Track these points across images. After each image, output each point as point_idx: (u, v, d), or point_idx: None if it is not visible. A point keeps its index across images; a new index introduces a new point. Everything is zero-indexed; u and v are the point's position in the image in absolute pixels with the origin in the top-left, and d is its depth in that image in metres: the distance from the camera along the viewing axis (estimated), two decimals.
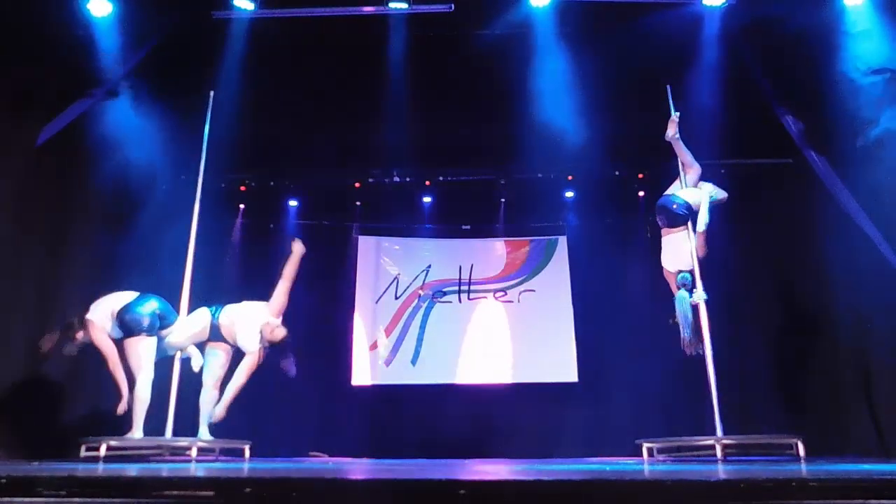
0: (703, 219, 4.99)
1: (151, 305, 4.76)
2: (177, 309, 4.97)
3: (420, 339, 8.02)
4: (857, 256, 5.45)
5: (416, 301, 8.19)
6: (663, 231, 5.25)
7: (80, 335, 4.70)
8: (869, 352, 5.46)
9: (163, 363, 4.95)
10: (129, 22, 5.36)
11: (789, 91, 5.85)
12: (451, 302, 8.20)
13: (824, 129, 5.54)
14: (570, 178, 7.83)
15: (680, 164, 5.31)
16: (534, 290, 8.17)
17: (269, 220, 8.09)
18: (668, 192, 5.30)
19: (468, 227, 8.42)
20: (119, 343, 4.74)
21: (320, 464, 4.74)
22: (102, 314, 4.73)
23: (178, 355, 4.98)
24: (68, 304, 5.65)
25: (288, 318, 5.31)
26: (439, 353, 7.93)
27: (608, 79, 5.96)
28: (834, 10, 5.11)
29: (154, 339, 4.76)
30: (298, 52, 5.92)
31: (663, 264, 5.21)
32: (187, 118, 5.74)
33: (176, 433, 4.74)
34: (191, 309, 5.06)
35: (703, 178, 5.32)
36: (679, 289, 5.02)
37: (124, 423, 4.67)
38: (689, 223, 5.05)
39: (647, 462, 4.52)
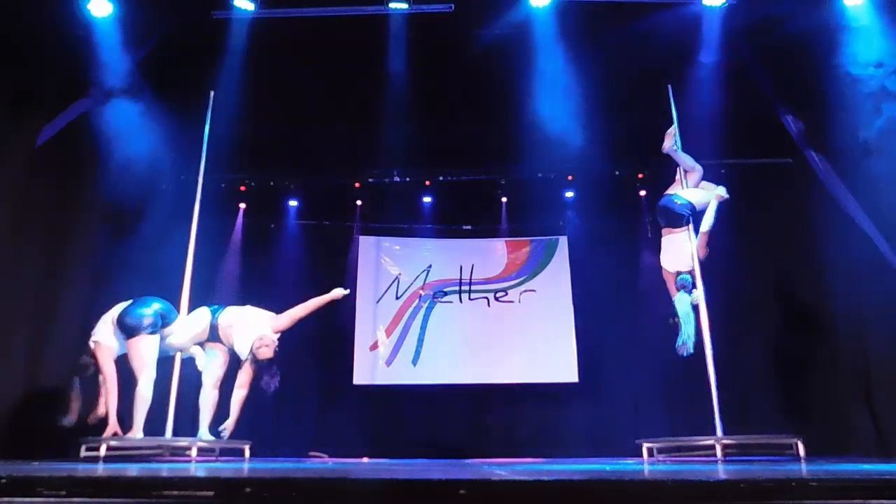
0: (708, 220, 4.98)
1: (153, 306, 4.76)
2: (177, 308, 4.97)
3: (421, 339, 8.02)
4: (857, 256, 5.45)
5: (416, 301, 8.19)
6: (664, 231, 5.25)
7: (92, 365, 4.65)
8: (869, 352, 5.46)
9: (163, 363, 4.94)
10: (129, 22, 5.36)
11: (789, 91, 5.85)
12: (451, 302, 8.20)
13: (824, 129, 5.54)
14: (570, 178, 7.83)
15: (681, 168, 5.30)
16: (534, 291, 8.17)
17: (269, 220, 8.09)
18: (670, 191, 5.29)
19: (468, 227, 8.42)
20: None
21: (320, 464, 4.74)
22: (105, 329, 4.68)
23: (179, 355, 4.98)
24: (68, 305, 5.66)
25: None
26: (440, 353, 7.93)
27: (608, 79, 5.96)
28: (834, 9, 5.11)
29: (156, 338, 4.75)
30: (298, 52, 5.92)
31: (662, 264, 5.21)
32: (187, 118, 5.74)
33: (176, 433, 4.74)
34: (191, 309, 5.06)
35: (703, 177, 5.32)
36: (679, 290, 5.02)
37: (124, 424, 4.67)
38: (691, 224, 5.04)
39: (647, 462, 4.52)
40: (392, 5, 5.39)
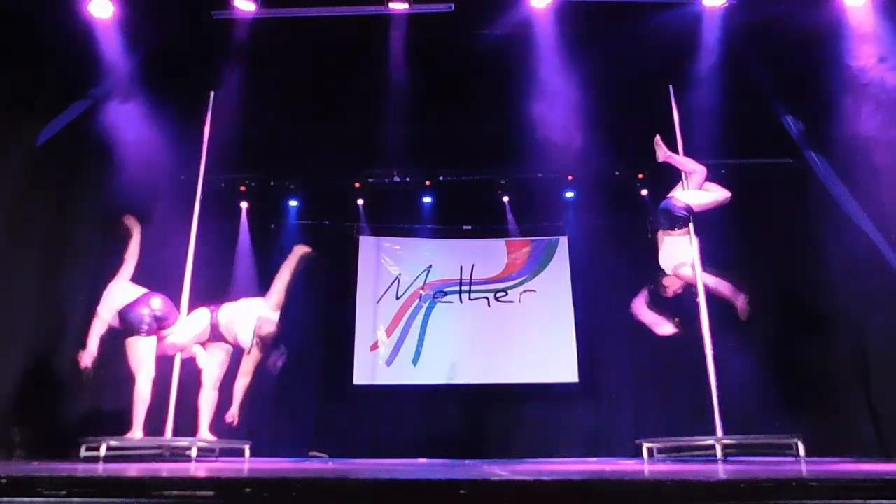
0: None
1: (151, 306, 4.76)
2: (178, 308, 4.97)
3: (421, 340, 8.02)
4: (857, 256, 5.45)
5: (416, 301, 8.19)
6: (665, 232, 5.22)
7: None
8: (869, 352, 5.46)
9: (163, 363, 4.95)
10: (129, 22, 5.36)
11: (789, 91, 5.85)
12: (451, 302, 8.20)
13: (824, 129, 5.54)
14: (570, 178, 7.83)
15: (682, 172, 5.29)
16: (534, 291, 8.17)
17: (269, 220, 8.09)
18: (672, 194, 5.28)
19: (469, 227, 8.42)
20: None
21: (320, 464, 4.74)
22: (108, 309, 4.77)
23: (179, 355, 4.98)
24: (68, 305, 5.66)
25: (289, 318, 5.32)
26: (440, 353, 7.92)
27: (609, 79, 5.96)
28: (834, 9, 5.11)
29: (153, 339, 4.77)
30: (298, 52, 5.92)
31: (660, 264, 5.20)
32: (187, 118, 5.74)
33: (176, 433, 4.74)
34: (191, 309, 5.06)
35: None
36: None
37: (124, 423, 4.67)
38: (691, 226, 5.02)
39: (647, 462, 4.52)
40: (392, 5, 5.39)
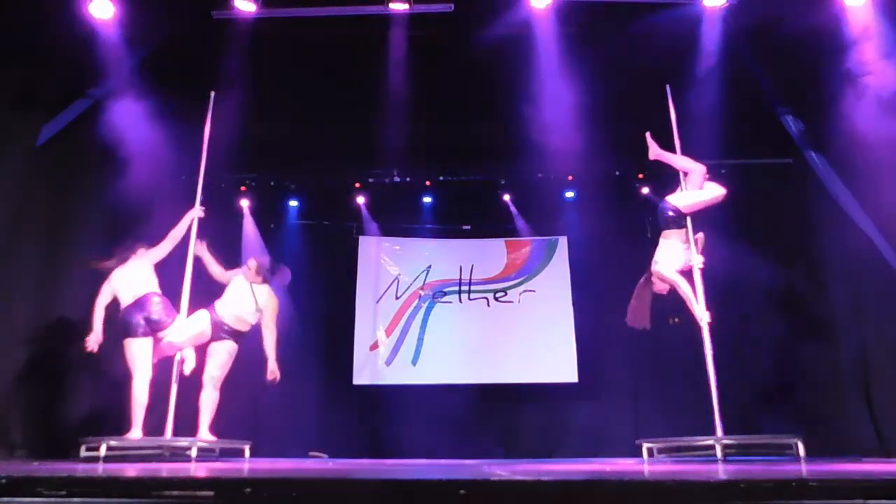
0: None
1: (145, 309, 4.75)
2: (177, 308, 4.96)
3: (420, 340, 8.02)
4: (857, 256, 5.46)
5: (416, 301, 8.18)
6: (663, 233, 5.22)
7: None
8: (869, 352, 5.47)
9: (163, 363, 4.95)
10: (129, 22, 5.36)
11: (789, 91, 5.85)
12: (451, 302, 8.20)
13: (824, 129, 5.54)
14: (570, 178, 7.83)
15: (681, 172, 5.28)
16: (534, 291, 8.17)
17: (269, 220, 8.09)
18: (668, 196, 5.27)
19: (468, 227, 8.41)
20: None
21: (320, 464, 4.74)
22: (109, 289, 4.86)
23: (178, 356, 4.97)
24: (67, 305, 5.66)
25: (289, 318, 5.33)
26: (440, 353, 7.92)
27: (609, 78, 5.96)
28: (834, 9, 5.11)
29: (149, 341, 4.77)
30: (299, 51, 5.92)
31: (653, 266, 5.18)
32: (187, 118, 5.74)
33: (176, 433, 4.74)
34: (191, 309, 5.06)
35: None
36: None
37: (124, 423, 4.67)
38: (688, 228, 5.01)
39: (647, 462, 4.52)
40: (392, 5, 5.38)
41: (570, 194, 8.06)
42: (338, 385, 7.61)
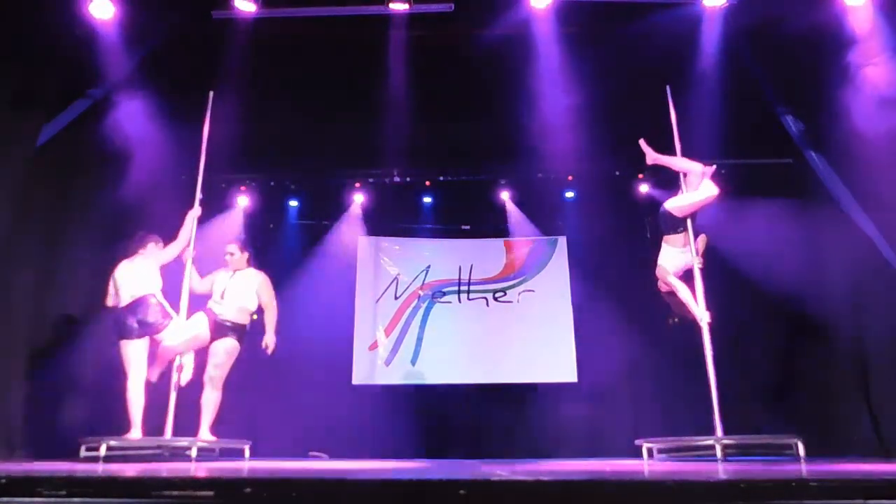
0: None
1: (138, 312, 4.74)
2: (176, 309, 4.95)
3: (420, 339, 8.01)
4: (857, 257, 5.45)
5: (415, 301, 8.18)
6: (664, 238, 5.22)
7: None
8: (868, 352, 5.47)
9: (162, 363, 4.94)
10: (129, 22, 5.36)
11: (789, 91, 5.85)
12: (450, 302, 8.19)
13: (824, 129, 5.54)
14: (570, 178, 7.83)
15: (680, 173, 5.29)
16: (533, 291, 8.17)
17: (269, 220, 8.09)
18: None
19: (468, 227, 8.41)
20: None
21: (320, 464, 4.74)
22: (112, 287, 4.88)
23: (177, 361, 4.94)
24: (67, 305, 5.66)
25: (288, 318, 5.31)
26: (439, 353, 7.92)
27: (608, 78, 5.96)
28: (834, 9, 5.11)
29: (144, 342, 4.75)
30: (299, 51, 5.92)
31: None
32: (187, 118, 5.74)
33: (176, 433, 4.74)
34: (191, 309, 5.05)
35: None
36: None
37: (124, 423, 4.67)
38: (687, 232, 5.01)
39: (647, 462, 4.52)
40: (392, 5, 5.38)
41: (569, 194, 8.06)
42: (337, 385, 7.60)
